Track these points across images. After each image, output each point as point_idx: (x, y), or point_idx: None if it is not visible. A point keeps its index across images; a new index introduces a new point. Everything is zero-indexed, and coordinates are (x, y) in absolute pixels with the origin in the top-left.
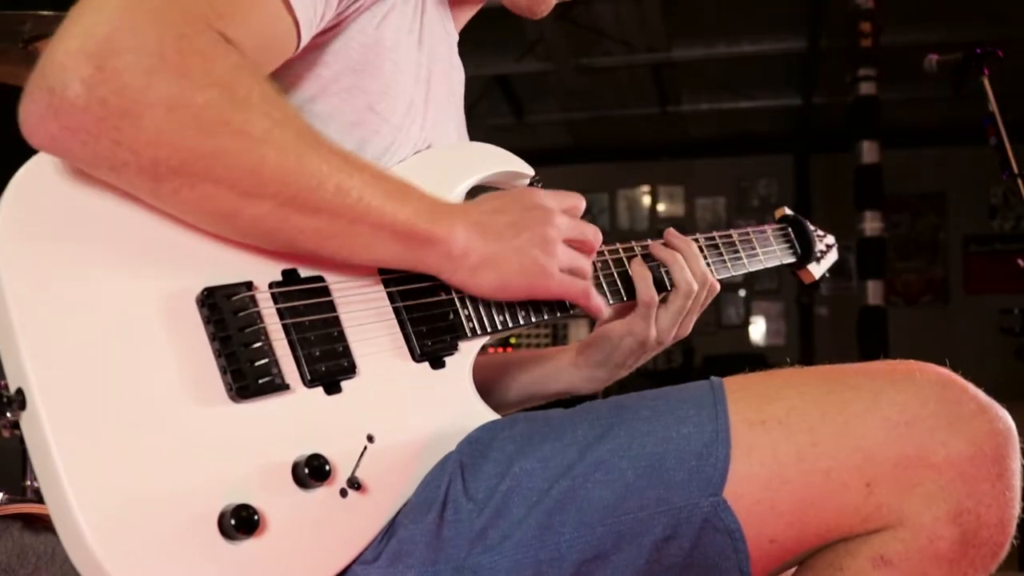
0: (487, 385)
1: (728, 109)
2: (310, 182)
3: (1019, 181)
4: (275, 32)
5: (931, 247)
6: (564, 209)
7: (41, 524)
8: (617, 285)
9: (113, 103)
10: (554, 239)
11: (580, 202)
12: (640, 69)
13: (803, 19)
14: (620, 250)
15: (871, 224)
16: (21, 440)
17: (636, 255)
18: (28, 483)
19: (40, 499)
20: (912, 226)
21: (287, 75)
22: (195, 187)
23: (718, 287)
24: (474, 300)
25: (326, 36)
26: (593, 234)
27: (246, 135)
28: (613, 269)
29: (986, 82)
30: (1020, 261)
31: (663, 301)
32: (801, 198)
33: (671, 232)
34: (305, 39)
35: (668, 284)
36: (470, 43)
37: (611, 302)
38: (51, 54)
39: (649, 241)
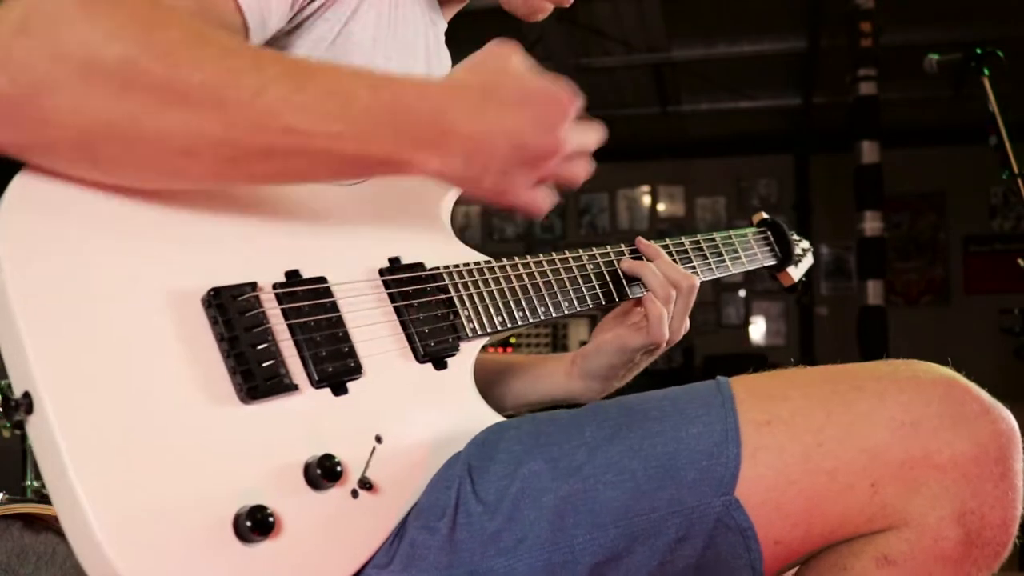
0: (482, 390)
1: (728, 109)
2: (254, 136)
3: (1019, 181)
4: (214, 9)
5: (931, 247)
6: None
7: (41, 524)
8: (606, 286)
9: (24, 80)
10: (541, 175)
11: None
12: (640, 69)
13: (803, 19)
14: (610, 254)
15: (871, 224)
16: (21, 440)
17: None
18: (28, 483)
19: (40, 499)
20: (912, 226)
21: None
22: (133, 150)
23: (698, 284)
24: (474, 301)
25: (291, 37)
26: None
27: (166, 89)
28: (603, 269)
29: (986, 82)
30: (1020, 261)
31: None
32: (801, 198)
33: (640, 241)
34: (255, 28)
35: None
36: (470, 43)
37: (603, 304)
38: None
39: (624, 252)
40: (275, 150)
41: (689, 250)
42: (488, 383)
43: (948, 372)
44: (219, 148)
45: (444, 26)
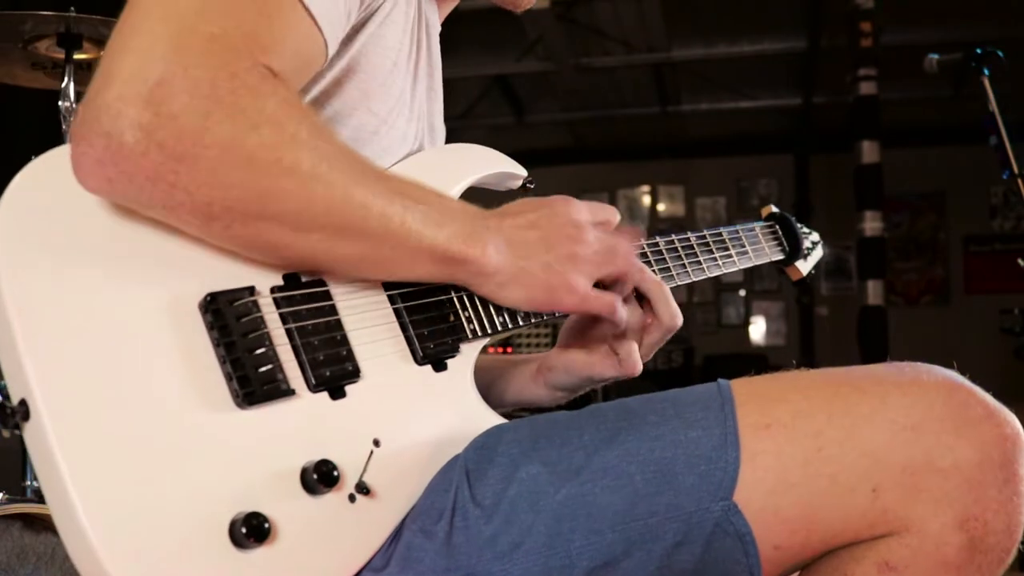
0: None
1: (728, 109)
2: (357, 212)
3: (1019, 181)
4: (309, 52)
5: (931, 247)
6: (597, 223)
7: (41, 524)
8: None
9: (171, 148)
10: (582, 256)
11: (614, 216)
12: (640, 69)
13: (803, 19)
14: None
15: (871, 224)
16: (21, 440)
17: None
18: (28, 483)
19: (40, 499)
20: (912, 226)
21: None
22: (247, 224)
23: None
24: (474, 301)
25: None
26: (625, 250)
27: (296, 172)
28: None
29: (986, 82)
30: (1020, 261)
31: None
32: (801, 198)
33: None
34: (331, 55)
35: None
36: (470, 43)
37: None
38: (101, 97)
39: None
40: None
41: (695, 246)
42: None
43: (951, 375)
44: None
45: (439, 28)
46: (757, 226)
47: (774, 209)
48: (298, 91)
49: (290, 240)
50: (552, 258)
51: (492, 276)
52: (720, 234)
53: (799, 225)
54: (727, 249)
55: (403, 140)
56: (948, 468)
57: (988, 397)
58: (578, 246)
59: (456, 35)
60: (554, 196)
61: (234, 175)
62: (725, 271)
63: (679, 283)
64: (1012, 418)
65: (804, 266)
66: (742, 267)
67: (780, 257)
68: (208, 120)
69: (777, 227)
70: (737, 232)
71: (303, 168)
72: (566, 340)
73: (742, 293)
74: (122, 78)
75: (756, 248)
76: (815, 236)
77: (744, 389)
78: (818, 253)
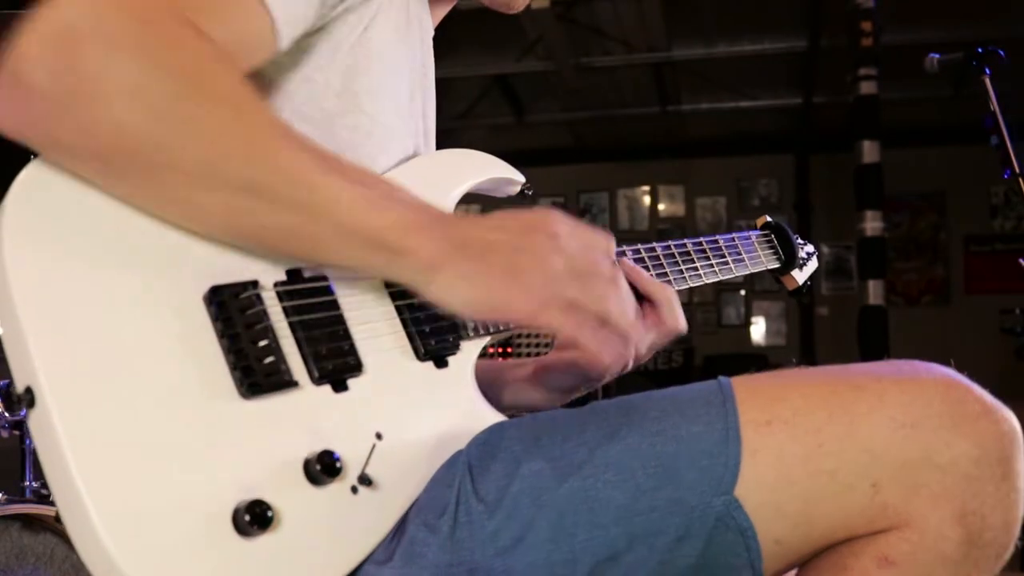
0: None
1: (728, 109)
2: (277, 177)
3: (1020, 180)
4: (251, 29)
5: (932, 247)
6: (584, 245)
7: (40, 524)
8: None
9: (75, 90)
10: (551, 267)
11: (606, 243)
12: (640, 69)
13: (803, 18)
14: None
15: (871, 224)
16: (21, 440)
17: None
18: (27, 484)
19: (40, 499)
20: (913, 226)
21: (277, 79)
22: (151, 175)
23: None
24: None
25: (312, 39)
26: (609, 274)
27: (201, 124)
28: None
29: (987, 81)
30: (1021, 261)
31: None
32: (801, 198)
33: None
34: (286, 38)
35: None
36: (470, 43)
37: None
38: (18, 41)
39: (627, 251)
40: (294, 204)
41: (692, 251)
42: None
43: (949, 372)
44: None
45: (431, 32)
46: (753, 235)
47: (769, 219)
48: (232, 59)
49: (201, 199)
50: (518, 264)
51: (434, 274)
52: (716, 242)
53: (795, 236)
54: (723, 256)
55: (397, 141)
56: (946, 464)
57: (985, 394)
58: (549, 256)
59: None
60: (535, 209)
61: (137, 122)
62: (722, 278)
63: (676, 289)
64: (1009, 415)
65: (800, 276)
66: (738, 274)
67: (776, 265)
68: (112, 65)
69: (773, 236)
70: (733, 240)
71: (209, 121)
72: (563, 341)
73: (742, 293)
74: (39, 23)
75: (752, 256)
76: (810, 247)
77: (745, 386)
78: (813, 264)
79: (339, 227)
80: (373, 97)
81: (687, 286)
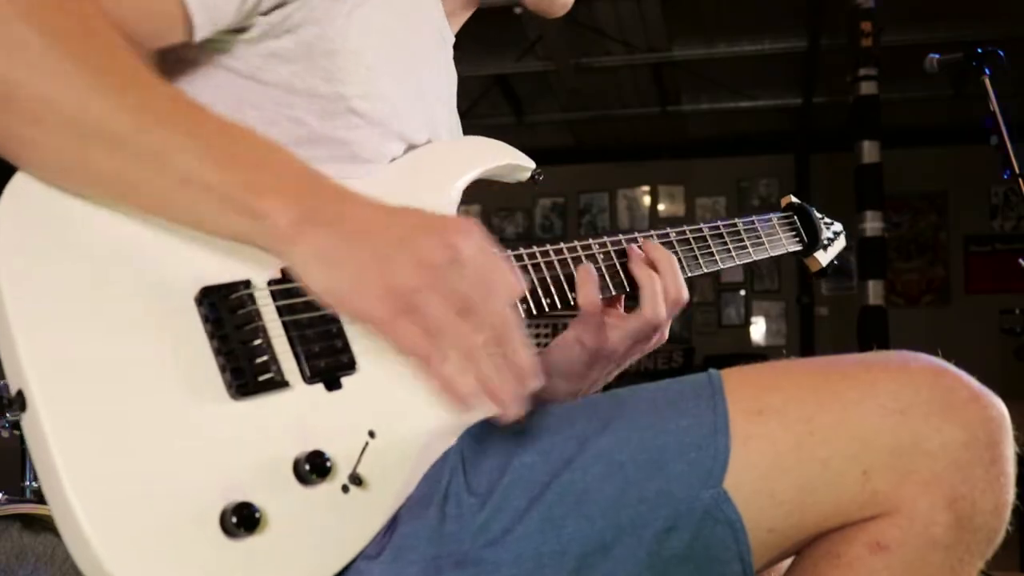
0: None
1: (728, 109)
2: (108, 118)
3: (1020, 181)
4: (159, 10)
5: (932, 247)
6: (480, 274)
7: (40, 524)
8: (619, 277)
9: None
10: (435, 278)
11: (512, 287)
12: (640, 69)
13: (803, 18)
14: (608, 243)
15: (871, 224)
16: (21, 440)
17: (594, 253)
18: (27, 483)
19: (40, 499)
20: (913, 226)
21: (254, 86)
22: None
23: (686, 299)
24: None
25: (282, 41)
26: (500, 319)
27: (46, 59)
28: (615, 260)
29: (987, 81)
30: (1021, 261)
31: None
32: (801, 198)
33: (650, 246)
34: (202, 25)
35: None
36: (470, 43)
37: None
38: None
39: (638, 238)
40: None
41: (708, 236)
42: None
43: (937, 361)
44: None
45: (452, 40)
46: (774, 216)
47: (794, 199)
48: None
49: (37, 136)
50: (385, 255)
51: (291, 246)
52: (735, 225)
53: (820, 215)
54: (741, 240)
55: (379, 129)
56: (936, 450)
57: (973, 381)
58: (435, 268)
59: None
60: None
61: None
62: (739, 263)
63: (690, 274)
64: (997, 400)
65: (824, 257)
66: (758, 259)
67: (797, 248)
68: None
69: (795, 217)
70: (753, 223)
71: (55, 55)
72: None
73: (742, 293)
74: None
75: (772, 239)
76: (837, 226)
77: (735, 378)
78: (840, 243)
79: (186, 180)
80: (361, 98)
81: (701, 272)
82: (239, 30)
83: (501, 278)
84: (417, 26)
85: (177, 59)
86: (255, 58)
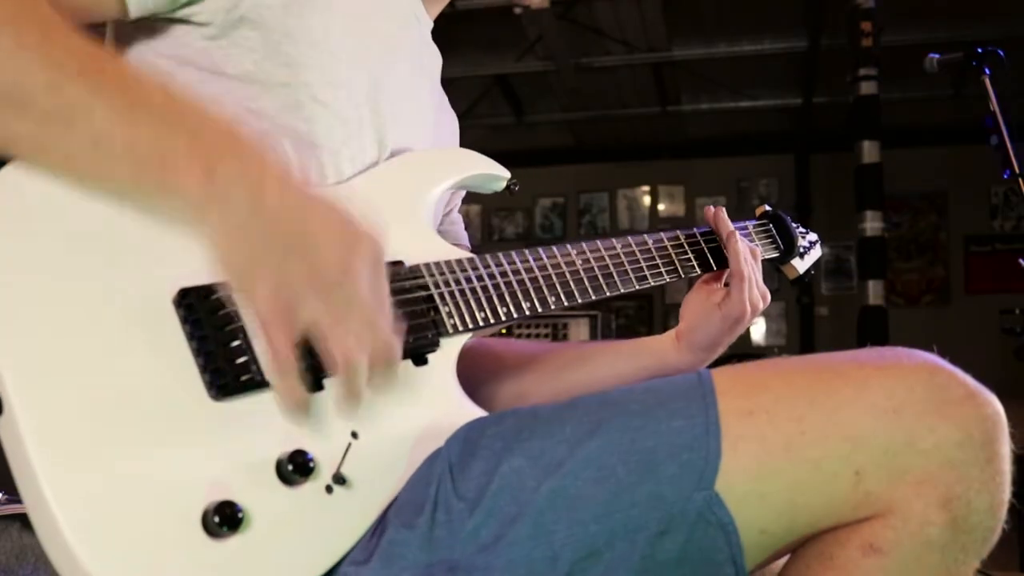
0: (566, 369)
1: (728, 109)
2: (21, 78)
3: (1020, 180)
4: None
5: (932, 247)
6: (378, 296)
7: None
8: (698, 262)
9: None
10: (324, 287)
11: (384, 323)
12: (640, 69)
13: (804, 18)
14: (696, 234)
15: (871, 224)
16: None
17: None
18: None
19: None
20: (913, 226)
21: (216, 80)
22: None
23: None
24: (455, 297)
25: (241, 30)
26: (382, 343)
27: None
28: (694, 248)
29: (987, 81)
30: (1022, 260)
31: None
32: (801, 198)
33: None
34: (134, 5)
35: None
36: (470, 43)
37: (692, 274)
38: None
39: (648, 241)
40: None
41: (686, 245)
42: (573, 365)
43: (931, 358)
44: None
45: (430, 24)
46: (750, 224)
47: (768, 208)
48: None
49: None
50: (289, 248)
51: (201, 218)
52: (711, 232)
53: (795, 224)
54: (718, 247)
55: (361, 135)
56: (929, 449)
57: (968, 378)
58: (331, 283)
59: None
60: (371, 233)
61: None
62: (716, 269)
63: (668, 280)
64: (992, 398)
65: (800, 265)
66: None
67: (775, 255)
68: None
69: (771, 225)
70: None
71: None
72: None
73: None
74: None
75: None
76: (812, 236)
77: (726, 377)
78: (816, 252)
79: (96, 140)
80: (323, 87)
81: (679, 279)
82: (201, 24)
83: (380, 313)
84: (386, 8)
85: (141, 60)
86: (216, 51)
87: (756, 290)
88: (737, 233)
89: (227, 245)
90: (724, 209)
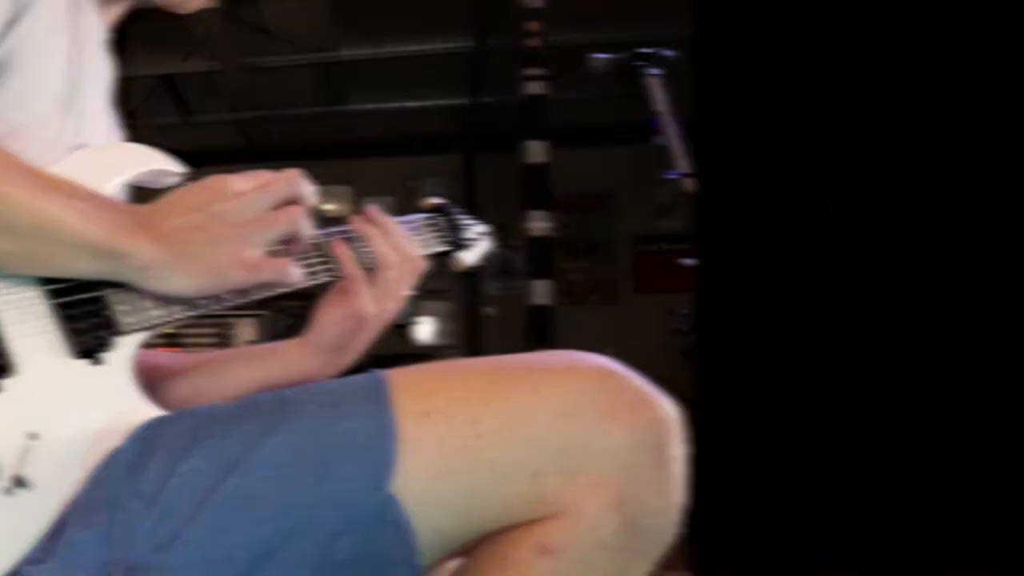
0: (203, 387)
1: (395, 109)
2: (5, 208)
3: (685, 181)
4: None
5: (600, 247)
6: (257, 187)
7: None
8: (330, 266)
9: None
10: (245, 224)
11: (272, 179)
12: (308, 68)
13: (471, 18)
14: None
15: (538, 224)
16: None
17: (336, 238)
18: None
19: None
20: (582, 226)
21: None
22: None
23: (421, 262)
24: (130, 295)
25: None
26: (287, 206)
27: None
28: (324, 252)
29: (651, 81)
30: (683, 261)
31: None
32: (469, 198)
33: (370, 210)
34: None
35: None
36: (135, 42)
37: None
38: None
39: (352, 220)
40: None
41: (351, 239)
42: (210, 378)
43: (606, 362)
44: None
45: (104, 35)
46: (417, 218)
47: (435, 201)
48: None
49: None
50: (216, 235)
51: (153, 269)
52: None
53: (462, 216)
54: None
55: (61, 140)
56: (603, 452)
57: (642, 382)
58: (240, 216)
59: (121, 35)
60: (209, 176)
61: None
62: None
63: (335, 277)
64: (666, 402)
65: (468, 256)
66: None
67: (442, 249)
68: None
69: (438, 219)
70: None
71: None
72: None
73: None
74: None
75: (419, 240)
76: (480, 227)
77: (402, 379)
78: (484, 244)
79: (68, 244)
80: (38, 97)
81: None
82: None
83: (267, 178)
84: (82, 20)
85: None
86: None
87: (383, 289)
88: (343, 237)
89: (185, 278)
90: (377, 208)
